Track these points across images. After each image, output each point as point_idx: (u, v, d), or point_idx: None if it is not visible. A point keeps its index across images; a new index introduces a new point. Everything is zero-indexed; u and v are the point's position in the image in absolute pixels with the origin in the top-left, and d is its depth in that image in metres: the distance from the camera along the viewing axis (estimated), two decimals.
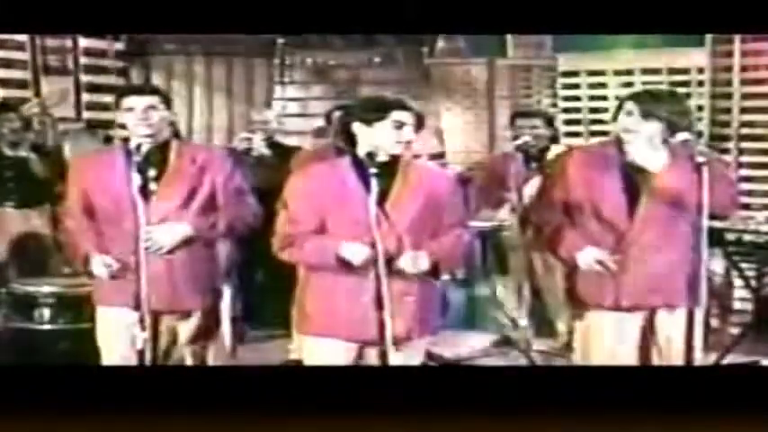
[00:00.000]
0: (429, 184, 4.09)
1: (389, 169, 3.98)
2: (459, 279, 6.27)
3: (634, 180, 4.34)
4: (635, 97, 4.38)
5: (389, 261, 3.92)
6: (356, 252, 3.93)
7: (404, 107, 4.05)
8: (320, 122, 7.18)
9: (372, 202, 3.87)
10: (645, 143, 4.33)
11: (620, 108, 4.39)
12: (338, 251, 3.95)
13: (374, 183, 3.90)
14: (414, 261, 3.96)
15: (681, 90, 7.70)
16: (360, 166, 4.01)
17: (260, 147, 7.08)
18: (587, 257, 4.32)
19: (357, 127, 4.04)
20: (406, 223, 3.98)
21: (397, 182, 4.02)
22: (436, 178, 4.20)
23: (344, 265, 3.96)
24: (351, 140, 4.07)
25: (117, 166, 4.51)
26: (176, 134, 4.73)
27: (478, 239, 6.22)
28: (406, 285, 3.98)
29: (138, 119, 4.50)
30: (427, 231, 4.04)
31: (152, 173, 4.40)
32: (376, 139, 4.00)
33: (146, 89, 4.86)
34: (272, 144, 7.25)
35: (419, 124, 4.09)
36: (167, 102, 4.63)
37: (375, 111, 4.03)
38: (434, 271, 4.05)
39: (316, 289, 4.10)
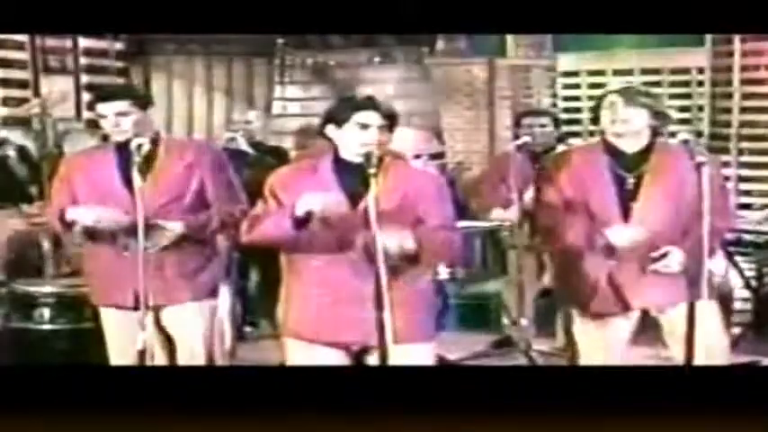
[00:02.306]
0: (409, 184, 4.01)
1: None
2: (459, 279, 6.25)
3: (627, 180, 4.35)
4: (614, 93, 4.40)
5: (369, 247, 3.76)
6: (319, 200, 3.83)
7: (371, 107, 3.95)
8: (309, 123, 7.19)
9: (371, 199, 3.74)
10: (631, 132, 4.35)
11: (598, 108, 4.41)
12: (295, 208, 3.82)
13: (356, 182, 3.85)
14: (399, 240, 3.81)
15: (680, 90, 7.87)
16: (339, 164, 3.98)
17: (243, 146, 7.05)
18: (621, 238, 4.26)
19: (329, 129, 4.00)
20: (382, 222, 3.81)
21: (376, 182, 3.88)
22: (418, 178, 4.11)
23: (307, 236, 3.85)
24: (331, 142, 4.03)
25: (109, 165, 4.54)
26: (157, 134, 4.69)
27: (479, 239, 6.21)
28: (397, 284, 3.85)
29: (109, 126, 4.52)
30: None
31: (142, 170, 4.38)
32: (344, 140, 3.96)
33: (114, 95, 4.67)
34: (253, 144, 7.24)
35: (391, 124, 3.98)
36: (143, 103, 4.60)
37: (342, 112, 3.97)
38: (416, 259, 3.90)
39: (300, 288, 4.03)
